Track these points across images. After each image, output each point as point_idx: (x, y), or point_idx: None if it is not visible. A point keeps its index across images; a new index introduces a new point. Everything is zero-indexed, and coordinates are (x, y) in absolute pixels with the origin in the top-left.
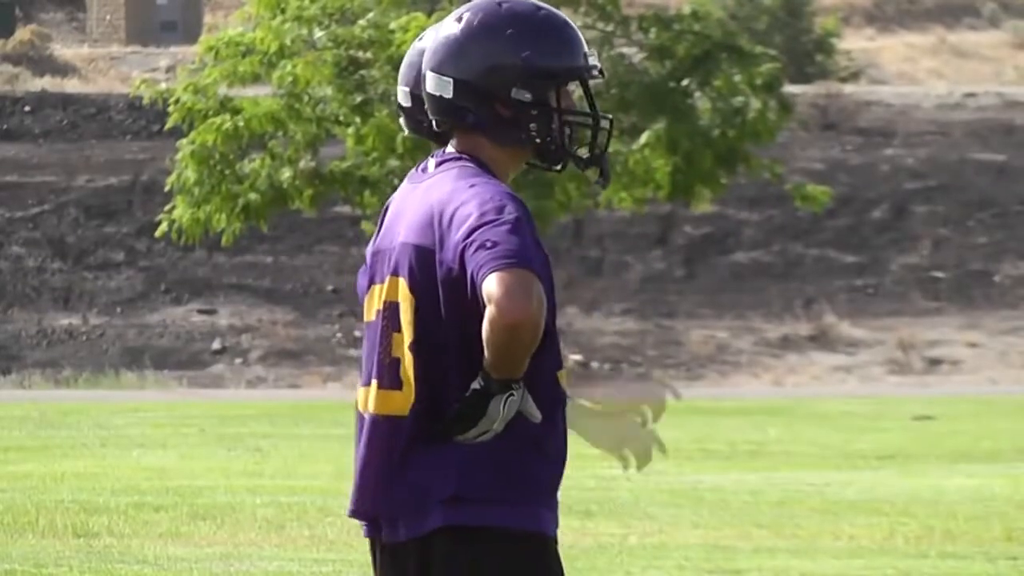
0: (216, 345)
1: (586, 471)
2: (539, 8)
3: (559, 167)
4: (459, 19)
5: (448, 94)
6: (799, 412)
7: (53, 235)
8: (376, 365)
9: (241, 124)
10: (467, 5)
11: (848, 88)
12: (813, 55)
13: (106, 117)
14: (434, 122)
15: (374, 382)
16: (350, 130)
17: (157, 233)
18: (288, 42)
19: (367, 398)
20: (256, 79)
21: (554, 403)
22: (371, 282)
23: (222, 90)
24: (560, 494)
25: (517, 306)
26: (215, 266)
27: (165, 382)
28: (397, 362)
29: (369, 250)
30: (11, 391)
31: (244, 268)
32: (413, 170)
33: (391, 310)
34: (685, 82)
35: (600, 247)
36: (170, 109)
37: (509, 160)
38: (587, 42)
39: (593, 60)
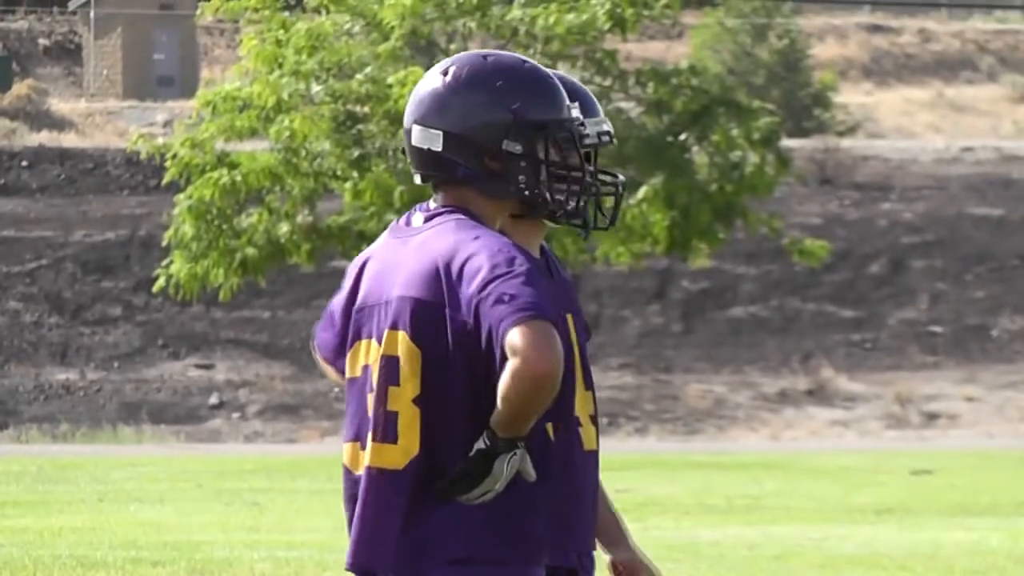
0: (213, 400)
1: None
2: (524, 61)
3: (540, 217)
4: (444, 72)
5: (437, 147)
6: (797, 466)
7: (50, 290)
8: (372, 419)
9: (239, 179)
10: (450, 59)
11: (846, 142)
12: (811, 109)
13: (103, 172)
14: (418, 176)
15: (368, 436)
16: (348, 185)
17: (154, 288)
18: (285, 96)
19: (356, 453)
20: (253, 134)
21: (544, 457)
22: (355, 338)
23: (219, 145)
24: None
25: (543, 357)
26: (212, 321)
27: (162, 437)
28: (395, 416)
29: (338, 306)
30: (8, 446)
31: (242, 323)
32: (394, 224)
33: (389, 364)
34: (683, 136)
35: (598, 302)
36: (167, 164)
37: (496, 212)
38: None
39: (576, 113)
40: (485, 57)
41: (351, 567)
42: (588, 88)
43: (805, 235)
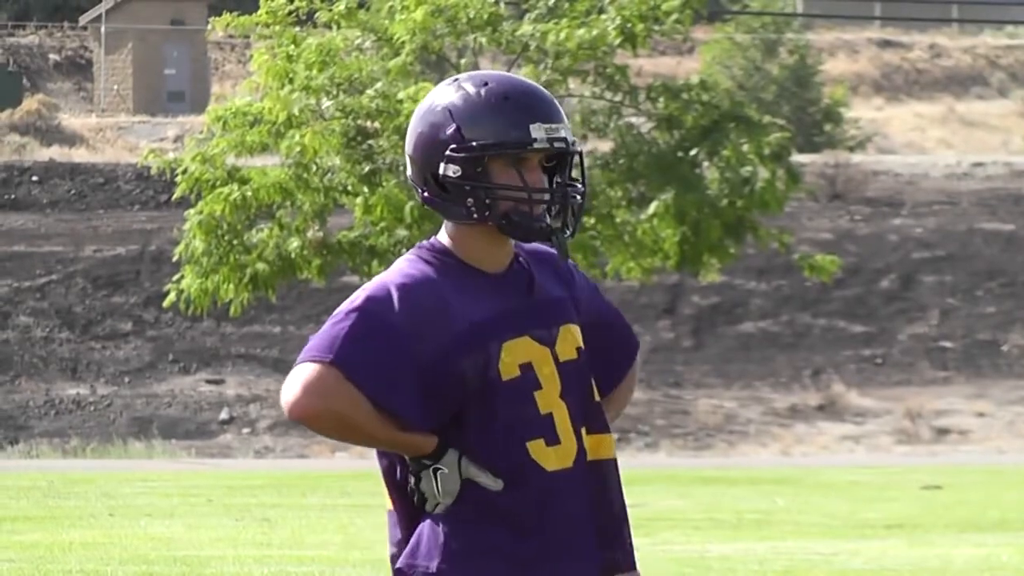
0: (224, 415)
1: None
2: (485, 82)
3: (523, 240)
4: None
5: (409, 172)
6: (807, 482)
7: (61, 305)
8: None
9: (249, 194)
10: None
11: (856, 158)
12: (821, 125)
13: (114, 187)
14: None
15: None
16: (358, 200)
17: (165, 303)
18: (296, 112)
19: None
20: (264, 149)
21: (519, 470)
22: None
23: (230, 160)
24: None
25: (289, 400)
26: (223, 336)
27: (173, 452)
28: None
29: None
30: (19, 461)
31: (252, 338)
32: None
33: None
34: (693, 152)
35: None
36: (178, 179)
37: (472, 237)
38: (591, 120)
39: (536, 133)
40: (455, 80)
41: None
42: (599, 103)
43: (816, 250)
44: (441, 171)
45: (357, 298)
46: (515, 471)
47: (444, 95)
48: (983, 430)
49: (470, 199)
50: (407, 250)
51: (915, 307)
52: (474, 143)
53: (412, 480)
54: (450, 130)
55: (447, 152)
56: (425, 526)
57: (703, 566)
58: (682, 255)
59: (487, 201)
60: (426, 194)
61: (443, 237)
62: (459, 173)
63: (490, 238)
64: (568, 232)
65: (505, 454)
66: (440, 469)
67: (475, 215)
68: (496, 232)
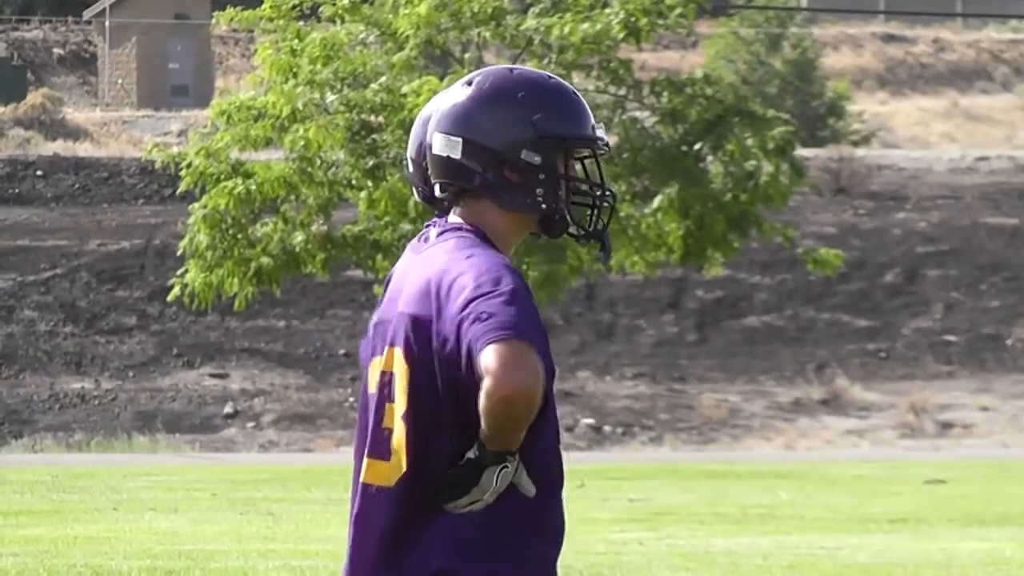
0: (228, 409)
1: (596, 535)
2: (549, 77)
3: (557, 237)
4: (469, 83)
5: (456, 154)
6: (811, 476)
7: (65, 299)
8: (370, 435)
9: (253, 188)
10: (477, 71)
11: (860, 152)
12: (825, 119)
13: (118, 181)
14: (438, 186)
15: (365, 451)
16: (362, 194)
17: (169, 297)
18: (300, 106)
19: (362, 468)
20: (268, 143)
21: (551, 479)
22: (373, 353)
23: (234, 154)
24: (572, 557)
25: (513, 378)
26: (227, 330)
27: (177, 446)
28: (389, 432)
29: (372, 321)
30: (23, 455)
31: (256, 332)
32: (415, 239)
33: (387, 380)
34: (697, 146)
35: (612, 311)
36: (182, 173)
37: (513, 228)
38: (595, 115)
39: (601, 133)
40: (511, 70)
41: None
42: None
43: (820, 244)
44: (523, 157)
45: (500, 273)
46: (557, 478)
47: (519, 82)
48: (987, 424)
49: (540, 188)
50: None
51: (919, 301)
52: (562, 134)
53: (462, 474)
54: (536, 116)
55: (534, 138)
56: (459, 525)
57: (707, 560)
58: (686, 249)
59: (559, 192)
60: (488, 177)
61: (464, 223)
62: (539, 161)
63: (523, 231)
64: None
65: (549, 458)
66: (506, 466)
67: (542, 204)
68: (527, 228)
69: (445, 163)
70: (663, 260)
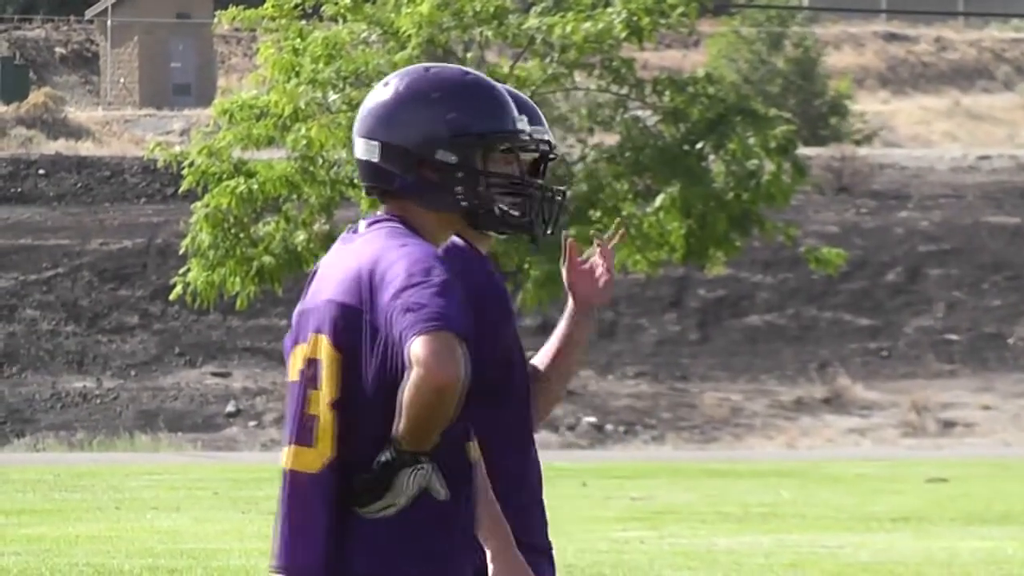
0: (230, 408)
1: (598, 534)
2: (466, 73)
3: (490, 230)
4: (386, 84)
5: (375, 158)
6: (813, 475)
7: (67, 298)
8: (296, 422)
9: (255, 187)
10: (394, 73)
11: (862, 151)
12: (827, 118)
13: (120, 180)
14: (364, 188)
15: (291, 438)
16: (364, 193)
17: (171, 296)
18: (302, 105)
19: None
20: (270, 142)
21: (461, 477)
22: (295, 342)
23: (236, 153)
24: (574, 556)
25: (443, 369)
26: (229, 329)
27: (179, 445)
28: (313, 419)
29: (296, 311)
30: (25, 454)
31: (258, 331)
32: (346, 231)
33: (311, 367)
34: (699, 145)
35: (614, 310)
36: (184, 172)
37: (438, 225)
38: (597, 113)
39: (524, 126)
40: (427, 69)
41: (276, 569)
42: (605, 97)
43: (821, 243)
44: (439, 156)
45: (431, 264)
46: (467, 476)
47: (434, 81)
48: (989, 423)
49: (459, 187)
50: None
51: (921, 300)
52: (477, 131)
53: (376, 478)
54: (450, 116)
55: (448, 138)
56: (374, 530)
57: (709, 559)
58: (688, 248)
59: (478, 189)
60: (408, 179)
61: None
62: (455, 160)
63: (450, 227)
64: (548, 229)
65: (460, 458)
66: (421, 468)
67: (462, 202)
68: (455, 225)
69: (366, 166)
70: (665, 259)
